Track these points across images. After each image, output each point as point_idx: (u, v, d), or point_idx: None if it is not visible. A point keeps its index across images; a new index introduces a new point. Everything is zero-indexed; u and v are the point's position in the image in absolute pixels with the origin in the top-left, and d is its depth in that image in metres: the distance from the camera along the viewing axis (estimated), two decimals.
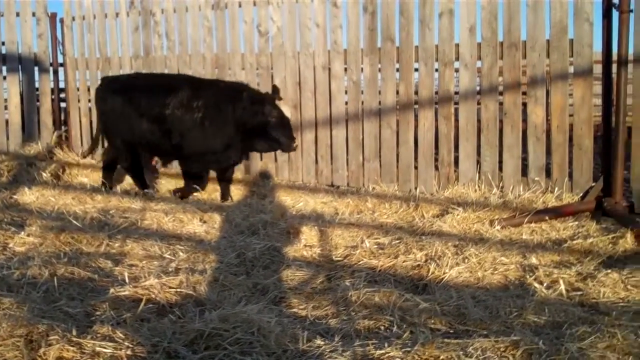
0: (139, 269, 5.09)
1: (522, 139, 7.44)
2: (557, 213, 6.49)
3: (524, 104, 7.49)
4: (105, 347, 3.50)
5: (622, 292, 4.56)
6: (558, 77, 7.20)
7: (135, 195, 7.89)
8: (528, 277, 4.85)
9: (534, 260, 5.23)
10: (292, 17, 8.69)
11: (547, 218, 6.37)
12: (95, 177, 9.11)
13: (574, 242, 5.71)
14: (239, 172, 8.54)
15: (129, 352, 3.49)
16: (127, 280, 4.66)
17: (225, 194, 8.01)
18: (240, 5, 9.05)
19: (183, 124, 7.74)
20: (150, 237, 5.93)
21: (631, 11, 6.47)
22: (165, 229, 6.31)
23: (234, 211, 6.91)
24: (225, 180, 8.11)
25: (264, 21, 8.89)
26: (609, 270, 4.91)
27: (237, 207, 7.23)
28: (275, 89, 7.76)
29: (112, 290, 4.44)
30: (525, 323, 3.99)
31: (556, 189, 7.09)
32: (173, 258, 5.35)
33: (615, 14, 6.57)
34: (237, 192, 8.23)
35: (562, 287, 4.60)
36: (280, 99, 7.68)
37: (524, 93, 7.53)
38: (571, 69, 7.29)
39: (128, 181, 8.71)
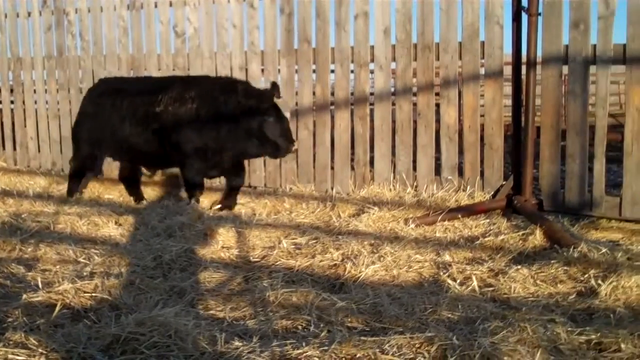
0: (52, 273, 4.98)
1: (436, 139, 7.57)
2: (469, 211, 6.64)
3: (437, 105, 7.63)
4: (18, 355, 3.43)
5: (531, 287, 4.70)
6: (470, 79, 7.36)
7: (48, 198, 7.72)
8: (442, 274, 4.96)
9: (447, 257, 5.34)
10: (208, 18, 8.65)
11: (459, 216, 6.52)
12: (6, 181, 8.88)
13: (486, 239, 5.85)
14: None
15: (42, 359, 3.43)
16: (40, 286, 4.57)
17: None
18: (156, 6, 8.96)
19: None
20: (64, 241, 5.81)
21: (539, 14, 6.67)
22: (80, 233, 6.20)
23: (150, 213, 6.83)
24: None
25: (180, 22, 8.83)
26: (519, 266, 5.04)
27: (153, 209, 7.14)
28: (274, 86, 6.99)
29: (24, 296, 4.33)
30: (440, 319, 4.07)
31: (468, 187, 7.25)
32: (88, 262, 5.25)
33: (524, 17, 6.77)
34: (152, 193, 8.16)
35: (475, 283, 4.71)
36: (279, 97, 6.95)
37: (437, 94, 7.67)
38: (482, 71, 7.44)
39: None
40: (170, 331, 3.62)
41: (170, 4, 8.85)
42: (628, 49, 6.41)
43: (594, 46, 6.60)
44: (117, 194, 8.22)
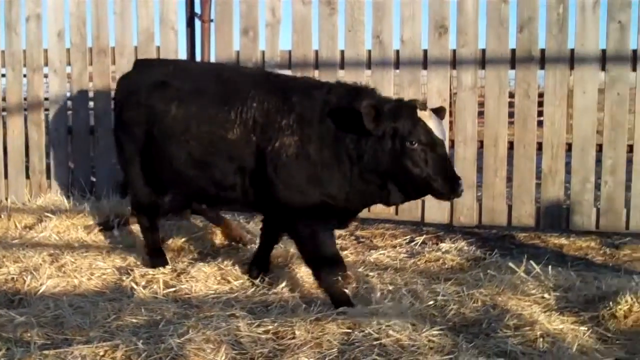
0: None
1: None
2: None
3: None
4: None
5: (213, 285, 4.92)
6: None
7: None
8: (125, 279, 5.01)
9: (130, 262, 5.38)
10: None
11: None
12: None
13: (168, 242, 5.95)
14: None
15: None
16: None
17: None
18: None
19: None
20: None
21: (212, 21, 6.94)
22: None
23: None
24: None
25: None
26: (202, 265, 5.23)
27: None
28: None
29: None
30: (124, 325, 4.10)
31: None
32: None
33: (198, 23, 6.99)
34: None
35: (157, 286, 4.82)
36: (424, 108, 4.42)
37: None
38: None
39: None
40: None
41: None
42: (293, 55, 6.88)
43: (263, 52, 6.99)
44: None
